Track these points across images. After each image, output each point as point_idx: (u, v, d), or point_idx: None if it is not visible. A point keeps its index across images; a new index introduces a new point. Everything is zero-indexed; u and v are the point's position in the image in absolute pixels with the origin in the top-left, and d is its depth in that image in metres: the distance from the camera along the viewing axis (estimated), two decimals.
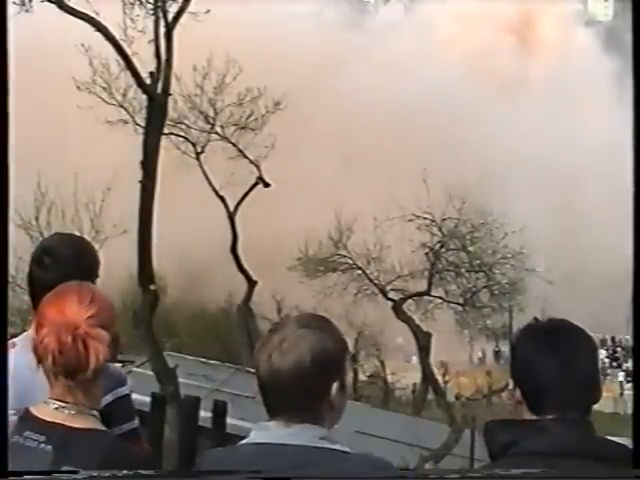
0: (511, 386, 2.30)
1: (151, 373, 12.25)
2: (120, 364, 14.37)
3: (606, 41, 35.63)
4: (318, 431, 2.06)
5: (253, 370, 2.11)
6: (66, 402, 2.15)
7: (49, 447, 2.08)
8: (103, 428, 2.19)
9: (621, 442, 2.18)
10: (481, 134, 31.10)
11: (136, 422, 2.80)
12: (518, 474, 2.09)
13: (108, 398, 2.59)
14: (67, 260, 2.83)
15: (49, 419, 2.12)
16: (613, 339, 34.73)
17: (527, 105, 31.60)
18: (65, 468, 2.06)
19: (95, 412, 2.18)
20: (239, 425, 10.63)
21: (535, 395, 2.21)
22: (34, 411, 2.16)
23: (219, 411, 11.28)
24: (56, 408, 2.14)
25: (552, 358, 2.18)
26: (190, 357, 18.03)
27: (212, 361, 18.35)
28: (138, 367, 14.34)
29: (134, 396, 2.86)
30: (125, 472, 2.10)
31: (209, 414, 11.38)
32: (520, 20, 36.21)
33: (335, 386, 2.09)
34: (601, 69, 34.16)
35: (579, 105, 32.50)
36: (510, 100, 31.71)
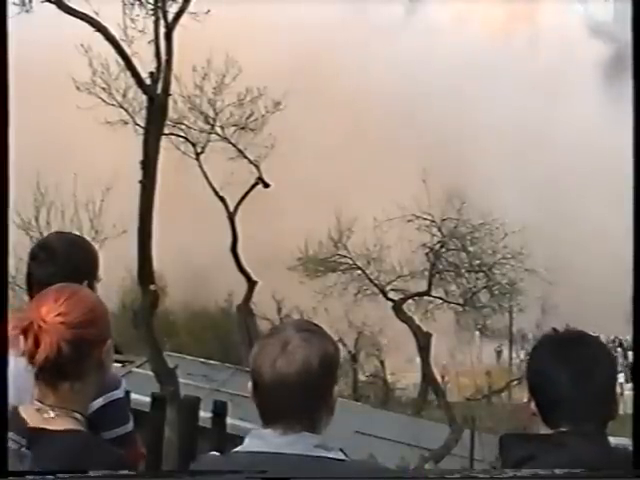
0: (526, 399, 2.27)
1: (151, 373, 12.24)
2: (120, 364, 14.42)
3: (599, 32, 35.84)
4: (314, 439, 2.05)
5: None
6: (47, 404, 2.13)
7: (28, 452, 2.06)
8: (81, 429, 2.15)
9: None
10: (481, 132, 31.09)
11: (130, 426, 2.76)
12: (522, 475, 2.08)
13: (100, 401, 2.57)
14: (63, 258, 2.83)
15: (30, 422, 2.11)
16: (614, 339, 34.72)
17: (529, 102, 31.58)
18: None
19: (77, 415, 2.15)
20: (239, 425, 10.64)
21: (550, 408, 2.18)
22: (21, 411, 2.15)
23: (219, 411, 11.28)
24: (37, 409, 2.13)
25: (570, 370, 2.16)
26: (190, 357, 18.03)
27: (212, 361, 18.35)
28: (138, 367, 14.34)
29: (134, 396, 2.84)
30: (125, 472, 2.09)
31: (209, 414, 11.38)
32: (518, 14, 36.20)
33: (335, 389, 2.09)
34: (595, 59, 34.42)
35: (578, 100, 32.51)
36: (510, 98, 31.69)
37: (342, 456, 2.08)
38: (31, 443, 2.07)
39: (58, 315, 2.12)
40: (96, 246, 3.14)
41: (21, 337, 2.11)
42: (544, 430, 2.20)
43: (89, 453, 2.09)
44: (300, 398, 2.02)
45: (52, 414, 2.13)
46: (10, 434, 2.10)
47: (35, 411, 2.13)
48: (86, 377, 2.17)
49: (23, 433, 2.09)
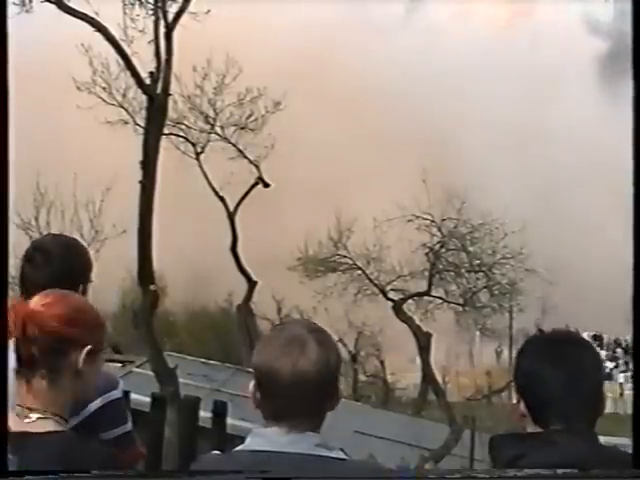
0: (515, 400, 2.28)
1: (151, 373, 12.24)
2: (120, 364, 14.49)
3: (599, 30, 35.99)
4: (315, 438, 2.06)
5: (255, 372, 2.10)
6: (26, 406, 2.12)
7: (14, 457, 2.06)
8: (64, 429, 2.15)
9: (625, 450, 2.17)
10: (481, 132, 31.12)
11: (129, 426, 2.77)
12: (522, 475, 2.08)
13: (98, 402, 2.59)
14: (57, 260, 2.83)
15: (13, 427, 2.10)
16: (614, 340, 34.71)
17: (529, 101, 31.58)
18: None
19: (57, 418, 2.14)
20: (239, 425, 10.63)
21: (540, 408, 2.19)
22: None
23: (219, 411, 11.28)
24: (17, 414, 2.12)
25: (557, 370, 2.17)
26: (190, 357, 18.03)
27: (212, 361, 18.36)
28: (138, 367, 14.34)
29: (134, 396, 2.84)
30: (125, 472, 2.09)
31: (209, 414, 11.38)
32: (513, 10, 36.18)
33: (341, 388, 2.12)
34: (595, 57, 34.56)
35: (579, 99, 32.53)
36: (511, 97, 31.69)
37: (343, 456, 2.08)
38: (13, 448, 2.06)
39: (42, 306, 2.14)
40: (96, 246, 3.17)
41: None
42: (534, 430, 2.21)
43: (75, 452, 2.08)
44: (314, 397, 2.04)
45: (33, 417, 2.11)
46: None
47: (15, 416, 2.11)
48: (61, 379, 2.15)
49: (6, 438, 2.07)
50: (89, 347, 2.17)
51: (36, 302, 2.15)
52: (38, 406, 2.12)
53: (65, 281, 2.62)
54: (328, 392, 2.07)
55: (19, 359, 2.13)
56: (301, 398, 2.03)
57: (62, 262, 2.83)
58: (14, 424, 2.10)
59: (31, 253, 2.89)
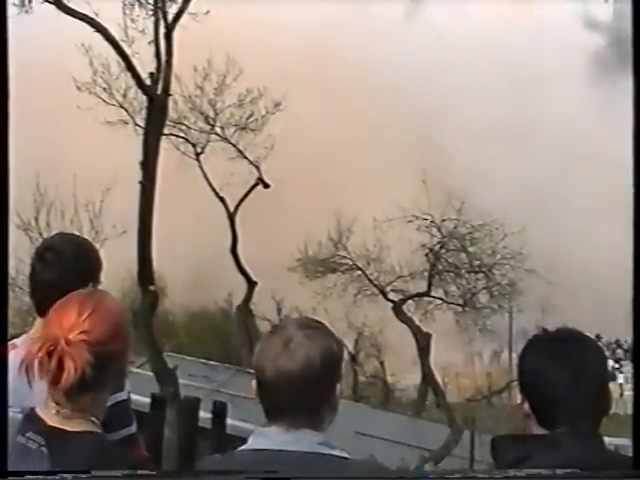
0: (519, 400, 2.26)
1: (151, 374, 12.24)
2: None
3: (599, 29, 36.07)
4: (317, 436, 2.05)
5: (253, 372, 2.11)
6: (64, 407, 2.13)
7: (47, 450, 2.08)
8: (98, 430, 2.17)
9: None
10: (481, 132, 31.09)
11: (133, 428, 2.78)
12: (523, 475, 2.07)
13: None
14: (69, 259, 2.83)
15: (49, 422, 2.12)
16: (615, 340, 34.70)
17: (530, 102, 31.56)
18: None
19: (93, 418, 2.17)
20: (239, 426, 10.64)
21: (544, 408, 2.17)
22: (39, 412, 2.16)
23: (219, 412, 11.30)
24: (56, 412, 2.13)
25: (562, 370, 2.14)
26: (190, 358, 18.02)
27: (212, 362, 18.35)
28: (138, 368, 14.33)
29: (133, 397, 2.84)
30: (125, 472, 2.10)
31: (209, 415, 11.39)
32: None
33: (338, 387, 2.10)
34: (596, 58, 34.63)
35: (580, 99, 32.52)
36: (511, 98, 31.66)
37: (346, 454, 2.08)
38: (50, 443, 2.09)
39: (81, 333, 2.11)
40: (95, 246, 3.15)
41: (45, 358, 2.09)
42: (538, 431, 2.19)
43: (104, 454, 2.12)
44: (302, 395, 2.03)
45: (69, 416, 2.14)
46: (28, 434, 2.11)
47: (53, 413, 2.14)
48: (106, 387, 2.21)
49: (42, 433, 2.10)
50: (129, 350, 2.25)
51: (72, 328, 2.11)
52: (79, 411, 2.14)
53: (76, 280, 2.62)
54: (320, 389, 2.05)
55: (56, 377, 2.10)
56: (291, 396, 2.02)
57: (73, 261, 2.82)
58: (50, 420, 2.12)
59: (42, 252, 2.88)
